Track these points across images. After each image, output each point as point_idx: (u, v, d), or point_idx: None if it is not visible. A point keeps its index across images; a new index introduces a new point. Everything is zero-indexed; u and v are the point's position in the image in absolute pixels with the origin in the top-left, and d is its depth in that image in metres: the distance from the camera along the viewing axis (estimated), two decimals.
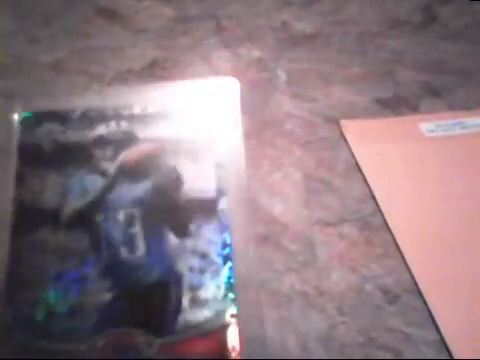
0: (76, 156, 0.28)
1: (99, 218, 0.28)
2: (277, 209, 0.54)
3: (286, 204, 0.55)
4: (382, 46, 0.76)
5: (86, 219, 0.28)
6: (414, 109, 0.65)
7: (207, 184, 0.28)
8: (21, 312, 0.26)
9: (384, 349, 0.42)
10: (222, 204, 0.27)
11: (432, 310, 0.44)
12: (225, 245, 0.27)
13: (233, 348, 0.25)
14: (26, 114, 0.29)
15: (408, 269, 0.47)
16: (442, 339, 0.42)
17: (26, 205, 0.28)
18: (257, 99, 0.69)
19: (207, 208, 0.27)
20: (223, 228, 0.27)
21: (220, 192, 0.28)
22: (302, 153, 0.60)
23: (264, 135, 0.64)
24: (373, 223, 0.52)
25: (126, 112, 0.29)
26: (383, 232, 0.51)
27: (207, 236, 0.27)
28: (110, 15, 0.84)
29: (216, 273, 0.26)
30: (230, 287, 0.26)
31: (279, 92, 0.69)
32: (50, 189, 0.28)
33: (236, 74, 0.73)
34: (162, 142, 0.29)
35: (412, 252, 0.48)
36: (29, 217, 0.27)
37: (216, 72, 0.73)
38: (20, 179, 0.28)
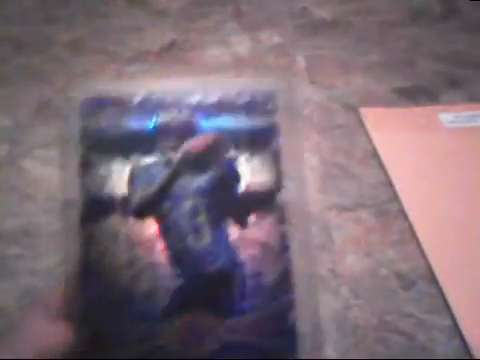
0: (140, 144, 0.29)
1: (166, 207, 0.28)
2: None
3: None
4: (402, 36, 0.76)
5: (154, 208, 0.28)
6: (434, 99, 0.65)
7: (265, 176, 0.29)
8: (98, 294, 0.27)
9: (397, 333, 0.43)
10: (280, 196, 0.28)
11: (447, 297, 0.44)
12: (283, 235, 0.28)
13: (292, 328, 0.27)
14: (86, 99, 0.29)
15: (424, 256, 0.47)
16: (456, 325, 0.42)
17: (94, 193, 0.28)
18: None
19: (266, 200, 0.28)
20: (281, 219, 0.28)
21: (278, 184, 0.28)
22: (320, 139, 0.60)
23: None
24: (390, 209, 0.52)
25: (186, 100, 0.29)
26: (400, 219, 0.51)
27: (266, 227, 0.28)
28: None
29: (276, 261, 0.27)
30: (289, 274, 0.27)
31: (298, 78, 0.69)
32: (116, 177, 0.28)
33: (255, 59, 0.73)
34: (222, 132, 0.29)
35: (429, 239, 0.48)
36: (98, 205, 0.28)
37: (235, 56, 0.73)
38: (86, 166, 0.28)
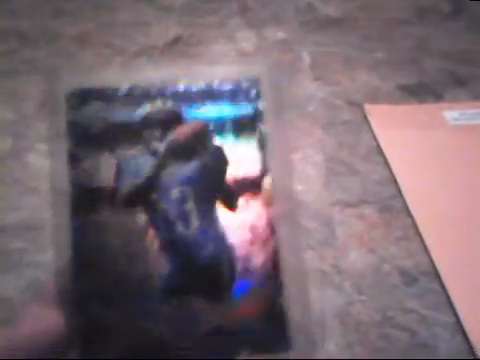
0: (126, 136, 0.29)
1: (154, 196, 0.29)
2: (297, 189, 0.54)
3: (306, 184, 0.55)
4: (408, 33, 0.76)
5: (142, 198, 0.29)
6: (438, 97, 0.65)
7: (252, 162, 0.29)
8: (89, 287, 0.28)
9: (400, 328, 0.43)
10: (267, 181, 0.29)
11: (450, 293, 0.44)
12: (271, 218, 0.28)
13: (282, 309, 0.28)
14: (72, 92, 0.29)
15: (427, 252, 0.47)
16: (458, 321, 0.42)
17: (83, 186, 0.29)
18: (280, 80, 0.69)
19: (253, 185, 0.29)
20: (269, 202, 0.28)
21: (264, 170, 0.29)
22: (324, 135, 0.60)
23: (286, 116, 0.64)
24: (393, 206, 0.52)
25: (171, 90, 0.29)
26: (403, 215, 0.51)
27: (254, 210, 0.28)
28: None
29: (265, 244, 0.28)
30: (277, 256, 0.28)
31: (302, 74, 0.69)
32: (104, 169, 0.29)
33: (260, 55, 0.73)
34: (207, 121, 0.29)
35: (431, 236, 0.48)
36: (87, 197, 0.28)
37: (240, 52, 0.73)
38: (74, 160, 0.29)
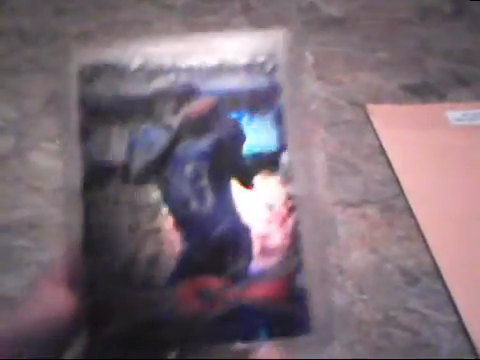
0: (138, 110, 0.28)
1: (168, 172, 0.28)
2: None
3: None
4: (411, 33, 0.75)
5: (155, 173, 0.28)
6: (441, 97, 0.65)
7: (268, 138, 0.28)
8: (101, 263, 0.27)
9: (402, 328, 0.43)
10: (284, 157, 0.28)
11: (452, 293, 0.44)
12: (289, 196, 0.27)
13: (302, 291, 0.27)
14: (83, 66, 0.28)
15: (429, 253, 0.47)
16: (460, 321, 0.42)
17: (94, 160, 0.28)
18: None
19: (270, 162, 0.28)
20: (286, 180, 0.27)
21: (281, 146, 0.28)
22: (326, 135, 0.60)
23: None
24: (396, 206, 0.52)
25: (184, 64, 0.28)
26: (405, 215, 0.51)
27: (271, 188, 0.28)
28: None
29: (282, 223, 0.27)
30: (296, 236, 0.27)
31: (305, 74, 0.69)
32: (116, 143, 0.28)
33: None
34: (223, 95, 0.28)
35: (434, 236, 0.48)
36: (99, 172, 0.28)
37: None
38: (85, 134, 0.28)
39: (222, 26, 0.77)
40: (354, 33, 0.76)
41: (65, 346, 0.25)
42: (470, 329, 0.41)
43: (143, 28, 0.76)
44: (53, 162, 0.57)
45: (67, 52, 0.28)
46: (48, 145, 0.59)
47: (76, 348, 0.26)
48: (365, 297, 0.45)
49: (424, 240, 0.48)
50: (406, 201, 0.52)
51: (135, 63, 0.28)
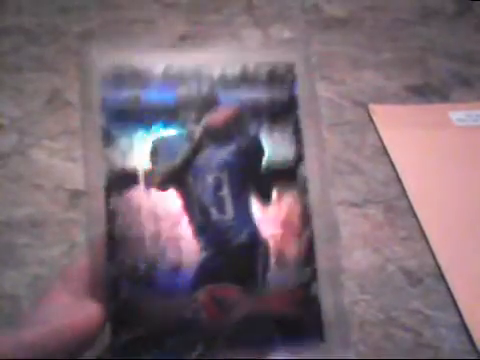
0: (160, 116, 0.28)
1: (190, 180, 0.28)
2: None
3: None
4: (414, 34, 0.75)
5: (177, 181, 0.28)
6: (444, 98, 0.65)
7: (287, 149, 0.29)
8: (124, 267, 0.27)
9: (404, 329, 0.43)
10: (301, 170, 0.28)
11: (454, 294, 0.44)
12: (305, 209, 0.28)
13: (316, 300, 0.28)
14: (107, 70, 0.28)
15: (432, 253, 0.47)
16: (463, 323, 0.42)
17: (117, 165, 0.28)
18: None
19: (288, 173, 0.28)
20: (303, 192, 0.28)
21: (299, 157, 0.28)
22: (329, 135, 0.60)
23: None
24: (398, 206, 0.52)
25: (206, 73, 0.29)
26: (408, 216, 0.51)
27: (287, 203, 0.28)
28: None
29: (298, 234, 0.28)
30: (311, 246, 0.28)
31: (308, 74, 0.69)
32: (139, 149, 0.28)
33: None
34: (243, 106, 0.29)
35: (436, 236, 0.48)
36: (121, 178, 0.28)
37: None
38: (108, 139, 0.28)
39: (225, 25, 0.77)
40: (358, 33, 0.75)
41: (86, 350, 0.25)
42: (472, 329, 0.41)
43: (146, 26, 0.76)
44: (56, 160, 0.57)
45: (90, 57, 0.28)
46: (50, 143, 0.59)
47: (97, 347, 0.25)
48: (367, 297, 0.45)
49: (427, 240, 0.48)
50: (409, 201, 0.52)
51: (158, 70, 0.28)
